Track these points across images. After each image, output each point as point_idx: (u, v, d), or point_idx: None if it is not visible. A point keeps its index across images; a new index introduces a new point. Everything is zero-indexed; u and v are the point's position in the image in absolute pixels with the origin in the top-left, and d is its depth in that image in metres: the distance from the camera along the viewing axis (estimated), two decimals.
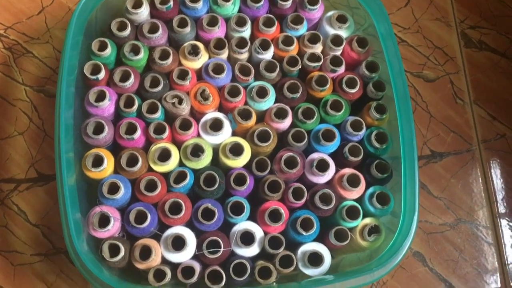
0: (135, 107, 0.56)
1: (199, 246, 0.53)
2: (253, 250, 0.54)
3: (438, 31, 0.76)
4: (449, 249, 0.67)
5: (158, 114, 0.56)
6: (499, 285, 0.67)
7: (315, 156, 0.57)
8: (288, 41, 0.60)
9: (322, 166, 0.56)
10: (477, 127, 0.73)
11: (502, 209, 0.69)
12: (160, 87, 0.57)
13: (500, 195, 0.70)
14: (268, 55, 0.59)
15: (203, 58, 0.59)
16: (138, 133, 0.55)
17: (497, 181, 0.70)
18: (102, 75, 0.56)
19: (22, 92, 0.70)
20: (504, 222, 0.69)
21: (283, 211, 0.54)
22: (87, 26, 0.58)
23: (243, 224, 0.55)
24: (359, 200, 0.57)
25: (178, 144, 0.57)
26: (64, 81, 0.55)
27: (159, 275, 0.52)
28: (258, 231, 0.54)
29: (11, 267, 0.64)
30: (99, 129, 0.55)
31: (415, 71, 0.74)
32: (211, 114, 0.58)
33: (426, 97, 0.73)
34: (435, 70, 0.75)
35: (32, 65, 0.71)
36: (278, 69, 0.59)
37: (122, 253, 0.52)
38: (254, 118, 0.57)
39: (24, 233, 0.65)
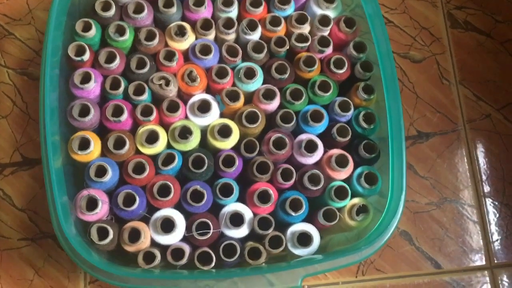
0: (121, 89, 0.55)
1: (188, 228, 0.53)
2: (242, 231, 0.54)
3: (424, 11, 0.76)
4: (435, 228, 0.68)
5: (145, 96, 0.55)
6: (484, 262, 0.68)
7: (304, 137, 0.57)
8: (275, 22, 0.59)
9: (310, 147, 0.56)
10: (462, 107, 0.73)
11: (486, 188, 0.70)
12: (146, 69, 0.56)
13: (485, 175, 0.71)
14: (255, 35, 0.59)
15: (190, 39, 0.58)
16: (125, 115, 0.54)
17: (482, 161, 0.71)
18: (86, 56, 0.55)
19: (4, 75, 0.69)
20: (488, 201, 0.70)
21: (272, 192, 0.54)
22: (70, 7, 0.57)
23: (232, 206, 0.55)
24: (347, 180, 0.57)
25: (165, 126, 0.56)
26: (48, 63, 0.54)
27: (149, 257, 0.52)
28: (247, 212, 0.55)
29: None
30: (85, 111, 0.54)
31: (401, 52, 0.74)
32: (199, 95, 0.57)
33: (412, 77, 0.74)
34: (421, 51, 0.75)
35: (14, 47, 0.70)
36: (265, 50, 0.58)
37: (110, 236, 0.51)
38: (242, 99, 0.57)
39: (10, 218, 0.65)
